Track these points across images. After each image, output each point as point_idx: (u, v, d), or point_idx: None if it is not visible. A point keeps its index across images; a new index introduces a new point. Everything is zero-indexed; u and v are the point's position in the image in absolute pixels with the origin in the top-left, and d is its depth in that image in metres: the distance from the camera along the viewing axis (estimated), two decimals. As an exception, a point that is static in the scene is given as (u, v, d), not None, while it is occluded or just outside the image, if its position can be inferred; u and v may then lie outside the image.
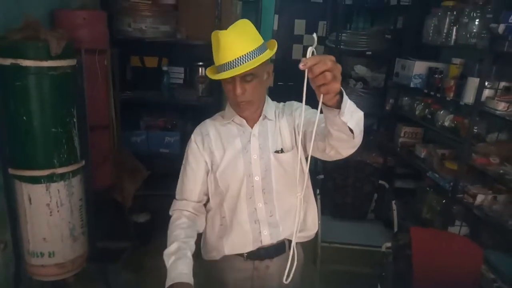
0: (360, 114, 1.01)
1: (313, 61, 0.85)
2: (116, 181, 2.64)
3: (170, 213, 1.40)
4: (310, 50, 0.87)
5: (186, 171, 1.38)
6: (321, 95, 0.90)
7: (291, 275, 1.12)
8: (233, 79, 1.19)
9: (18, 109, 1.77)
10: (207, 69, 1.29)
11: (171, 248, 1.24)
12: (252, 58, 1.16)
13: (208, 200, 1.42)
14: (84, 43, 2.17)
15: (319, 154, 1.18)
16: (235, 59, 1.15)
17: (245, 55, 1.15)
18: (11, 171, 1.86)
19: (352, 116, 0.97)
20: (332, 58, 0.86)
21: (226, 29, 1.19)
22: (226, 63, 1.16)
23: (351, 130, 1.00)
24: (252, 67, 1.15)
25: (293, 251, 1.10)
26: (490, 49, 2.18)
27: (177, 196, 1.41)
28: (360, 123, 1.02)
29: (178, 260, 1.20)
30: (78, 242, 2.03)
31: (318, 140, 1.12)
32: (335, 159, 1.18)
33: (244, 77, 1.19)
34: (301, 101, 1.41)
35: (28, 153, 1.84)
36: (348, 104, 0.95)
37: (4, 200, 1.94)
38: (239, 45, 1.15)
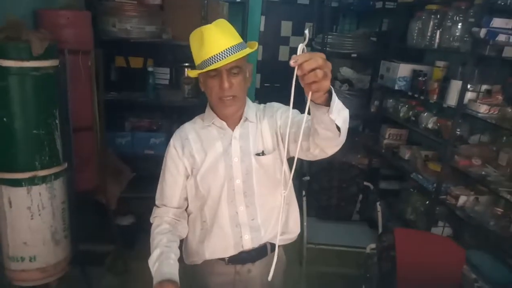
0: (346, 112, 1.02)
1: (303, 58, 0.84)
2: (100, 183, 2.60)
3: (151, 220, 1.39)
4: (300, 47, 0.86)
5: (165, 176, 1.37)
6: (310, 93, 0.89)
7: (271, 273, 1.11)
8: (219, 73, 1.19)
9: (-2, 110, 1.73)
10: (189, 71, 1.28)
11: (154, 254, 1.24)
12: (238, 51, 1.17)
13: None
14: (68, 43, 2.13)
15: (303, 154, 1.18)
16: (222, 52, 1.15)
17: (230, 47, 1.16)
18: (-10, 173, 1.82)
19: (340, 114, 0.98)
20: (323, 55, 0.86)
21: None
22: (212, 56, 1.16)
23: (338, 128, 1.00)
24: (242, 56, 1.17)
25: (276, 252, 1.09)
26: (472, 53, 2.22)
27: (157, 202, 1.40)
28: (346, 121, 1.02)
29: (162, 264, 1.20)
30: (60, 246, 1.99)
31: (302, 140, 1.12)
32: (319, 158, 1.18)
33: (231, 70, 1.19)
34: (287, 102, 1.42)
35: (9, 155, 1.80)
36: (336, 102, 0.95)
37: (-16, 203, 1.89)
38: (223, 39, 1.17)
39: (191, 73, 1.26)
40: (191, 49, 1.24)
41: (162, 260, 1.21)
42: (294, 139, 1.20)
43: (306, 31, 0.88)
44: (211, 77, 1.21)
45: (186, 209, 1.42)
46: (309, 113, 0.99)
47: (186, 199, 1.39)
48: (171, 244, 1.27)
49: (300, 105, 1.24)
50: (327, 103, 0.94)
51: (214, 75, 1.20)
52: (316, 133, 1.06)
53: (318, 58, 0.84)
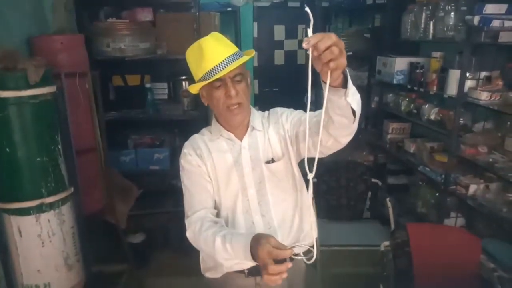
0: (359, 96, 1.00)
1: (316, 38, 0.83)
2: (108, 203, 2.60)
3: (188, 234, 1.27)
4: (310, 30, 0.85)
5: (191, 185, 1.31)
6: (329, 74, 0.87)
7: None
8: (223, 82, 1.20)
9: (0, 141, 1.73)
10: (189, 86, 1.28)
11: (217, 244, 1.14)
12: (237, 58, 1.19)
13: None
14: (64, 67, 2.14)
15: (314, 151, 1.14)
16: (224, 60, 1.17)
17: (231, 55, 1.19)
18: (-2, 204, 1.82)
19: (354, 97, 0.97)
20: (334, 34, 0.85)
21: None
22: (215, 66, 1.17)
23: (353, 114, 0.99)
24: (245, 60, 1.19)
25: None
26: (468, 41, 2.21)
27: (189, 213, 1.30)
28: (359, 105, 1.01)
29: (233, 239, 1.12)
30: (73, 270, 1.99)
31: (312, 136, 1.10)
32: (332, 151, 1.15)
33: (234, 78, 1.21)
34: (287, 105, 1.41)
35: (15, 185, 1.80)
36: (351, 84, 0.95)
37: (-6, 235, 1.90)
38: (223, 49, 1.20)
39: (192, 89, 1.26)
40: (189, 64, 1.25)
41: (231, 238, 1.12)
42: (303, 137, 1.21)
43: (307, 9, 0.85)
44: (216, 88, 1.22)
45: None
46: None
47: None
48: (223, 228, 1.20)
49: (303, 107, 1.23)
50: (343, 85, 0.94)
51: (219, 85, 1.21)
52: (331, 122, 1.04)
53: (331, 35, 0.84)
